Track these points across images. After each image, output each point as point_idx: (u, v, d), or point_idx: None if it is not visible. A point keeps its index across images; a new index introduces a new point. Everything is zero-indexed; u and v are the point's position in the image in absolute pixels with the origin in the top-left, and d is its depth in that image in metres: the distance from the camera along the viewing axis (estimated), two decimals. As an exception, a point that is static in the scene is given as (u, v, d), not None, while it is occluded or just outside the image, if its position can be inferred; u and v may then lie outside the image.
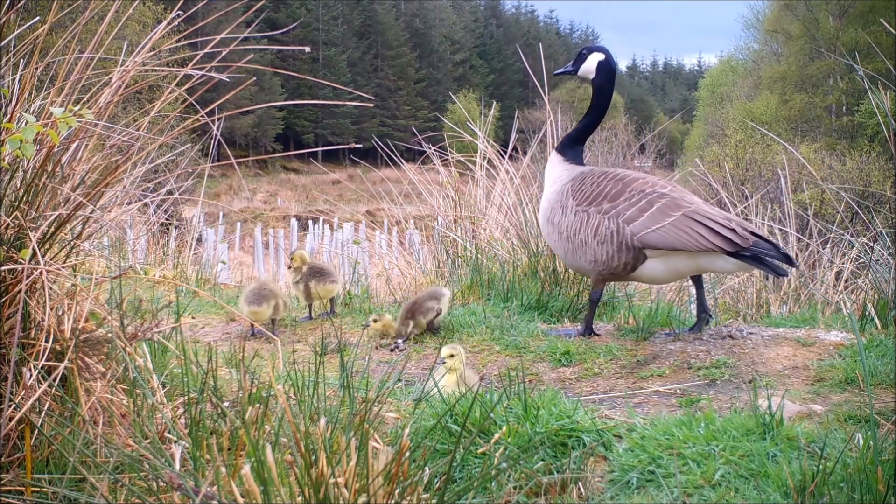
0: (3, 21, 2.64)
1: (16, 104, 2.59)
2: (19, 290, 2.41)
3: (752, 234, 3.66)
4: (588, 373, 3.60)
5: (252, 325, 4.32)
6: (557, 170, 4.26)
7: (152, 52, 2.81)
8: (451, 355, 3.23)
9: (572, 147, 4.28)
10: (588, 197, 3.98)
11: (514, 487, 2.35)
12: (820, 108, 39.76)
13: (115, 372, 2.58)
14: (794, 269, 5.29)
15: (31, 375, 2.35)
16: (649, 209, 3.80)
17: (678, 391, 3.27)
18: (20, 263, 2.42)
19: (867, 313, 4.14)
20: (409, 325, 4.22)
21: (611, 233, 3.88)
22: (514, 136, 6.73)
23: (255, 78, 4.66)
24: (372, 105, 3.86)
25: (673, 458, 2.41)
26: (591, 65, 4.23)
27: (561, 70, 4.43)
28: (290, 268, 4.72)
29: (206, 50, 2.82)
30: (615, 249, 3.87)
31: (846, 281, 5.66)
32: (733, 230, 3.63)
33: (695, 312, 4.19)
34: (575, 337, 4.07)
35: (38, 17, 2.80)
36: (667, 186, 3.93)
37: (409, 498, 1.96)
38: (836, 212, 7.41)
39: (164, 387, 2.73)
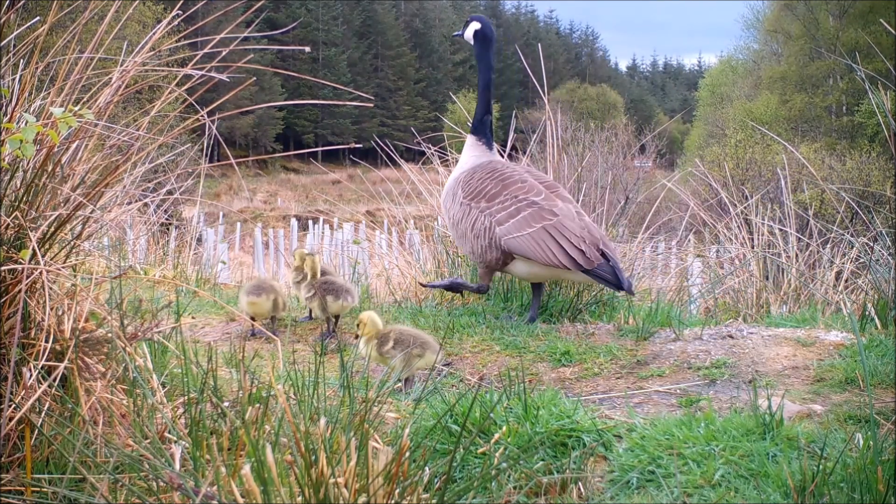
0: (3, 21, 2.64)
1: (16, 104, 2.59)
2: (19, 290, 2.41)
3: (602, 252, 4.00)
4: (588, 373, 3.60)
5: (252, 326, 4.32)
6: (469, 153, 4.63)
7: (152, 52, 2.81)
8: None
9: (482, 123, 4.63)
10: (472, 192, 4.32)
11: (514, 487, 2.35)
12: (820, 108, 39.73)
13: (115, 372, 2.58)
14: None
15: (31, 375, 2.35)
16: (517, 216, 4.13)
17: (678, 391, 3.27)
18: (20, 263, 2.42)
19: (867, 313, 4.14)
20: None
21: (484, 229, 4.22)
22: (511, 135, 6.72)
23: (255, 78, 4.66)
24: (372, 105, 3.89)
25: (673, 458, 2.41)
26: (469, 33, 4.72)
27: (456, 34, 4.89)
28: (294, 267, 4.71)
29: (205, 50, 2.82)
30: (487, 246, 4.22)
31: (846, 281, 5.66)
32: (581, 251, 3.96)
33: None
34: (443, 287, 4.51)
35: (38, 17, 2.79)
36: (541, 194, 4.20)
37: (409, 498, 1.96)
38: (836, 212, 7.41)
39: (164, 387, 2.73)
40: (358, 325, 3.53)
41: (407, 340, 3.37)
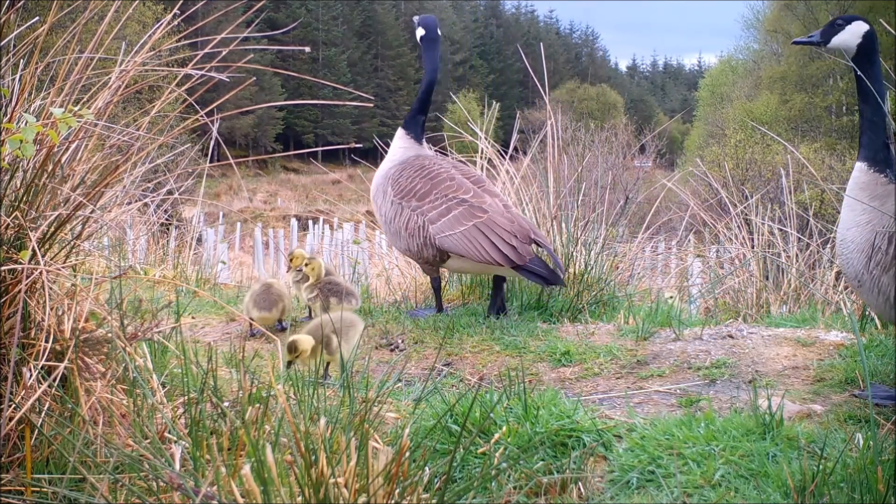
0: (3, 21, 2.64)
1: (16, 104, 2.59)
2: (19, 291, 2.41)
3: (536, 241, 4.14)
4: (588, 373, 3.60)
5: (251, 326, 4.32)
6: (397, 145, 4.75)
7: (152, 52, 2.81)
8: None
9: (415, 120, 4.74)
10: (402, 191, 4.41)
11: (514, 487, 2.35)
12: (820, 108, 39.72)
13: (115, 372, 2.58)
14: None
15: (31, 375, 2.35)
16: (447, 214, 4.23)
17: (678, 391, 3.27)
18: (20, 263, 2.42)
19: (867, 313, 4.14)
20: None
21: (418, 228, 4.31)
22: (514, 136, 6.73)
23: (255, 78, 4.67)
24: (372, 105, 3.92)
25: (673, 458, 2.41)
26: (418, 35, 4.84)
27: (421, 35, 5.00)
28: (289, 270, 4.71)
29: (206, 50, 2.82)
30: (422, 244, 4.31)
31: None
32: (513, 247, 4.04)
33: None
34: (430, 315, 4.43)
35: (38, 17, 2.79)
36: (470, 191, 4.31)
37: (409, 498, 1.96)
38: (836, 212, 7.40)
39: (164, 387, 2.73)
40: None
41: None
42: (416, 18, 4.90)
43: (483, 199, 4.28)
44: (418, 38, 4.84)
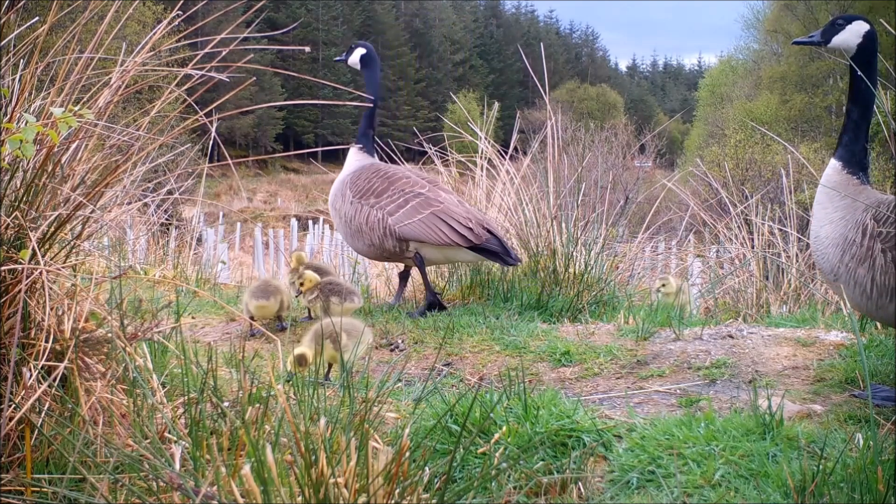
0: (3, 21, 2.64)
1: (16, 104, 2.59)
2: (19, 291, 2.41)
3: (488, 230, 4.44)
4: (588, 373, 3.60)
5: (251, 326, 4.32)
6: (351, 159, 5.10)
7: (152, 52, 2.81)
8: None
9: (365, 135, 5.15)
10: (361, 191, 4.72)
11: (514, 487, 2.35)
12: (820, 108, 39.70)
13: (115, 372, 2.58)
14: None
15: (31, 375, 2.35)
16: (405, 206, 4.55)
17: (678, 391, 3.27)
18: (20, 263, 2.42)
19: (867, 313, 4.14)
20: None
21: (377, 221, 4.60)
22: (514, 136, 6.72)
23: (255, 78, 4.68)
24: (372, 105, 3.92)
25: (673, 458, 2.41)
26: (355, 58, 5.26)
27: (338, 59, 5.50)
28: (290, 269, 4.72)
29: (206, 50, 2.82)
30: (383, 235, 4.59)
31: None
32: (470, 228, 4.40)
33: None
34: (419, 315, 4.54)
35: (38, 17, 2.79)
36: (426, 186, 4.64)
37: (409, 498, 1.96)
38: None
39: (164, 387, 2.73)
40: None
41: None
42: (354, 44, 5.32)
43: (438, 193, 4.63)
44: (358, 58, 5.21)
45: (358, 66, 5.25)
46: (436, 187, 4.71)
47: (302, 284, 4.39)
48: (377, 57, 5.26)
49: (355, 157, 5.10)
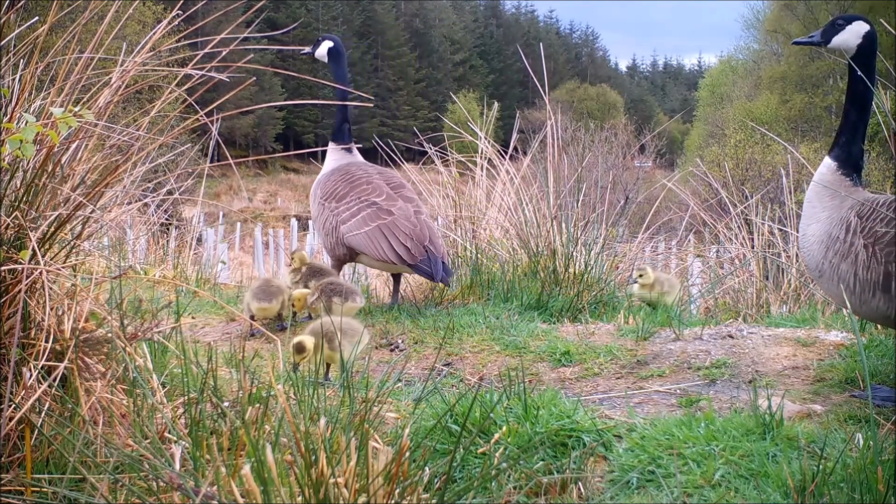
0: (3, 21, 2.64)
1: (16, 104, 2.59)
2: (19, 291, 2.41)
3: (427, 247, 4.50)
4: (588, 373, 3.60)
5: (251, 326, 4.31)
6: (330, 157, 5.15)
7: (152, 52, 2.81)
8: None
9: (341, 130, 5.13)
10: (327, 193, 4.78)
11: (514, 487, 2.35)
12: (820, 108, 39.69)
13: (115, 372, 2.58)
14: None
15: (31, 375, 2.35)
16: (357, 215, 4.61)
17: (678, 391, 3.27)
18: (20, 263, 2.42)
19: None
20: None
21: (332, 227, 4.69)
22: (514, 136, 6.73)
23: (255, 78, 4.69)
24: (372, 105, 3.97)
25: (673, 458, 2.41)
26: (322, 51, 5.19)
27: (305, 52, 5.30)
28: (290, 268, 4.71)
29: (206, 50, 2.82)
30: (335, 242, 4.70)
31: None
32: (407, 248, 4.47)
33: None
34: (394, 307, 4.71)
35: (37, 17, 2.79)
36: (383, 195, 4.66)
37: (409, 498, 1.96)
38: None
39: (164, 387, 2.73)
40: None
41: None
42: (321, 37, 5.26)
43: (395, 202, 4.66)
44: (324, 51, 5.17)
45: (325, 59, 5.23)
46: (397, 194, 4.72)
47: (297, 273, 4.56)
48: (344, 50, 5.26)
49: (332, 157, 5.14)
